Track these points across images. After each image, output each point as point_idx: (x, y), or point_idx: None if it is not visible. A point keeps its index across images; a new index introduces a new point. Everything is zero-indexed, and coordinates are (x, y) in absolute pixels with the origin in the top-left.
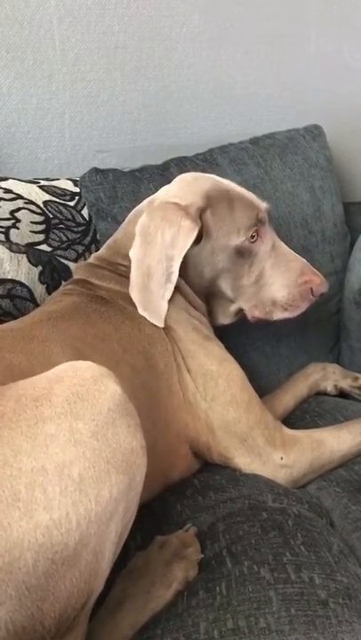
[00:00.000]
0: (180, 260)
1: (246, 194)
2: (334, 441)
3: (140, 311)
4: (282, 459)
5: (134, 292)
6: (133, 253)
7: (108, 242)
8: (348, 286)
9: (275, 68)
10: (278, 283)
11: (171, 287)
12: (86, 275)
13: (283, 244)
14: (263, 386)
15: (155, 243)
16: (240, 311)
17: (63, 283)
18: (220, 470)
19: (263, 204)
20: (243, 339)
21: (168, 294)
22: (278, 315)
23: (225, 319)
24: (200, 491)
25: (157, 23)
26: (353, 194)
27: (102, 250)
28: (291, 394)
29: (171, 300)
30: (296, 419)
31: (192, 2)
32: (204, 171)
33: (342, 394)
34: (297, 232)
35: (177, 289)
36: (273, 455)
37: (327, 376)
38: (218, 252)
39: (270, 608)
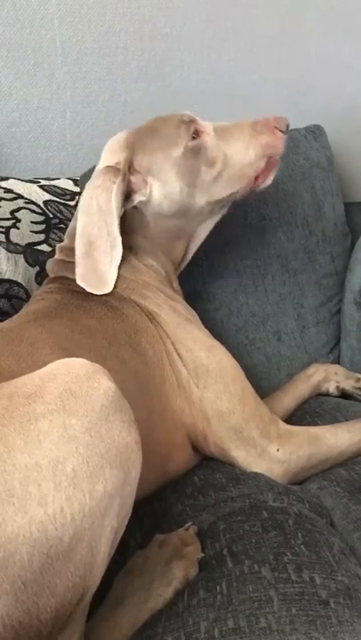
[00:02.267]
0: (117, 222)
1: (165, 115)
2: (332, 437)
3: (79, 281)
4: (278, 451)
5: (77, 265)
6: (77, 227)
7: (67, 230)
8: (348, 287)
9: (276, 67)
10: (240, 146)
11: (117, 253)
12: (60, 271)
13: (224, 123)
14: (264, 386)
15: (92, 212)
16: (220, 203)
17: (45, 280)
18: (221, 469)
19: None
20: (243, 339)
21: (116, 260)
22: (265, 167)
23: (211, 223)
24: (200, 489)
25: (158, 23)
26: (354, 194)
27: (64, 240)
28: (292, 395)
29: (146, 285)
30: (296, 419)
31: (193, 2)
32: None
33: (344, 395)
34: (298, 232)
35: (149, 267)
36: (269, 448)
37: (329, 377)
38: (167, 178)
39: (271, 608)
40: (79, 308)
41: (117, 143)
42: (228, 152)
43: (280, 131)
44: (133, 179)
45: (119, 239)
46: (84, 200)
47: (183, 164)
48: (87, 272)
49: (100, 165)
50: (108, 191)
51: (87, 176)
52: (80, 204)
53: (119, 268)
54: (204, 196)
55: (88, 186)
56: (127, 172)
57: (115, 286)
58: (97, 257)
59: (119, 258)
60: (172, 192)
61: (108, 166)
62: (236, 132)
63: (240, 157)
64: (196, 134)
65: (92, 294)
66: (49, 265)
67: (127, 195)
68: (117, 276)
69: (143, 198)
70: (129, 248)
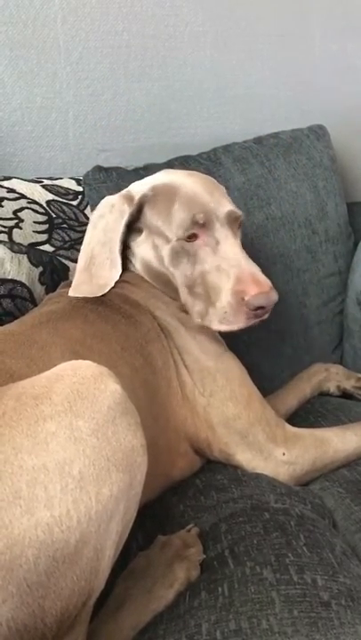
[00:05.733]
0: (118, 245)
1: (198, 192)
2: (339, 441)
3: (71, 292)
4: (284, 454)
5: (75, 275)
6: (84, 238)
7: None
8: (351, 287)
9: (279, 67)
10: (213, 289)
11: (115, 273)
12: None
13: (233, 247)
14: (266, 386)
15: (101, 227)
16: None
17: (62, 283)
18: (223, 470)
19: (209, 204)
20: (245, 338)
21: (113, 279)
22: (215, 325)
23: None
24: (202, 491)
25: (161, 22)
26: (357, 194)
27: None
28: (294, 394)
29: (157, 296)
30: (300, 419)
31: (196, 1)
32: (207, 170)
33: (345, 394)
34: (300, 232)
35: (155, 284)
36: (275, 451)
37: (330, 377)
38: (159, 247)
39: (273, 609)
40: (94, 313)
41: (157, 178)
42: (207, 281)
43: (248, 309)
44: (140, 218)
45: (119, 260)
46: (96, 214)
47: (171, 248)
48: (81, 284)
49: (133, 184)
50: (118, 212)
51: (91, 175)
52: (92, 217)
53: (130, 277)
54: (183, 287)
55: (105, 201)
56: (137, 207)
57: (130, 293)
58: (95, 272)
59: (116, 277)
60: (158, 259)
61: (129, 191)
62: (226, 270)
63: (209, 295)
64: (195, 236)
65: (108, 300)
66: (72, 270)
67: (131, 226)
68: (130, 284)
69: (138, 240)
70: (139, 264)
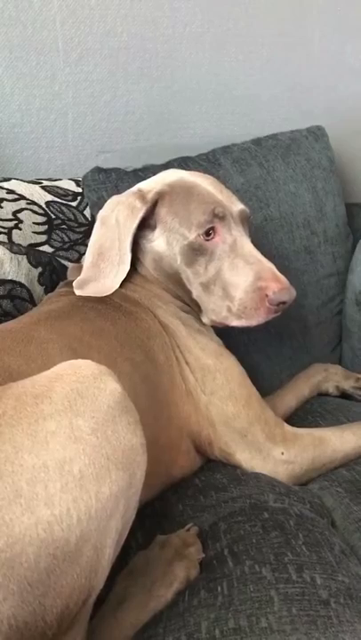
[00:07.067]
0: (130, 240)
1: (212, 190)
2: (337, 440)
3: (75, 285)
4: (283, 454)
5: (82, 272)
6: (91, 236)
7: None
8: (350, 287)
9: (277, 68)
10: (232, 285)
11: (124, 269)
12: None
13: (249, 245)
14: (265, 386)
15: (110, 224)
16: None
17: (60, 283)
18: (222, 470)
19: (224, 202)
20: (245, 339)
21: (121, 275)
22: (233, 321)
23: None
24: (202, 490)
25: (160, 24)
26: (355, 194)
27: None
28: (292, 394)
29: (158, 296)
30: (299, 419)
31: (195, 2)
32: (206, 171)
33: (344, 395)
34: (299, 232)
35: (158, 283)
36: (273, 451)
37: (329, 377)
38: (173, 244)
39: (272, 608)
40: (93, 310)
41: (166, 176)
42: (224, 278)
43: (268, 301)
44: (153, 215)
45: (129, 256)
46: (104, 212)
47: (188, 245)
48: (88, 280)
49: (140, 184)
50: (130, 209)
51: (90, 176)
52: (99, 215)
53: (132, 277)
54: (196, 285)
55: (113, 199)
56: (151, 204)
57: (131, 292)
58: (103, 268)
59: (124, 274)
60: (171, 257)
61: (140, 189)
62: (244, 267)
63: (227, 292)
64: (213, 233)
65: (107, 299)
66: (70, 270)
67: (141, 223)
68: (131, 284)
69: (150, 237)
70: (140, 263)
